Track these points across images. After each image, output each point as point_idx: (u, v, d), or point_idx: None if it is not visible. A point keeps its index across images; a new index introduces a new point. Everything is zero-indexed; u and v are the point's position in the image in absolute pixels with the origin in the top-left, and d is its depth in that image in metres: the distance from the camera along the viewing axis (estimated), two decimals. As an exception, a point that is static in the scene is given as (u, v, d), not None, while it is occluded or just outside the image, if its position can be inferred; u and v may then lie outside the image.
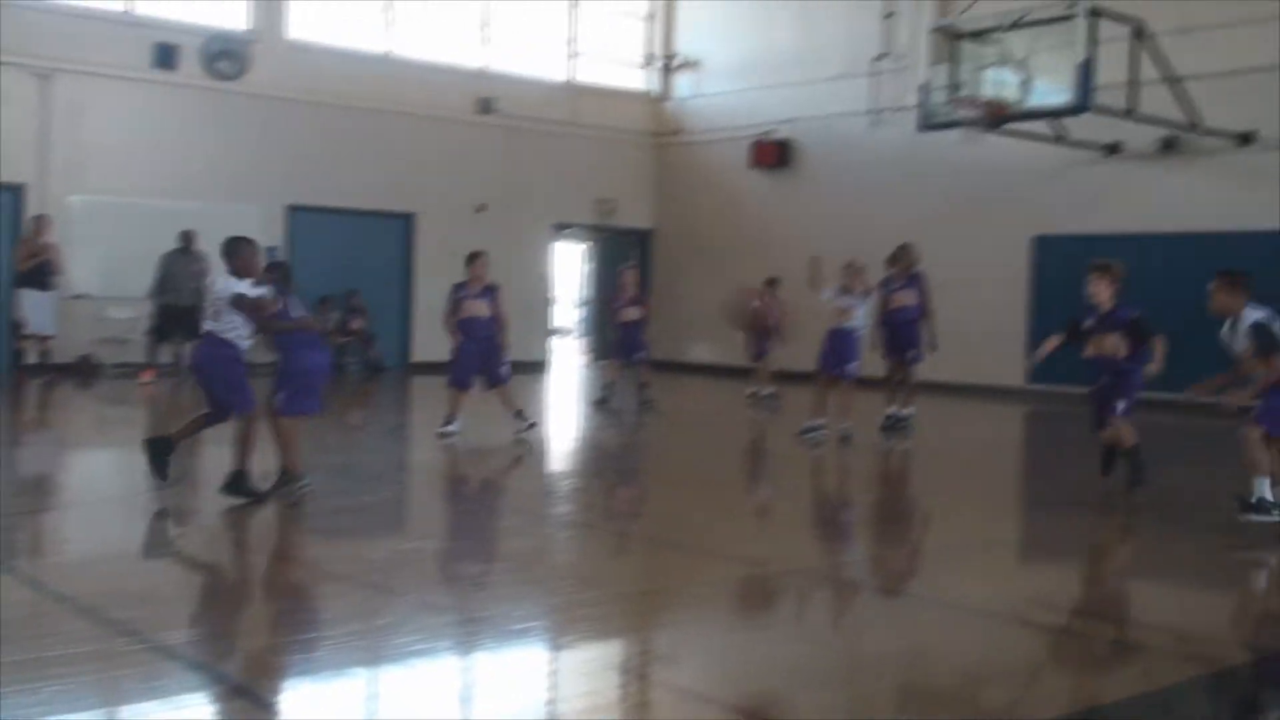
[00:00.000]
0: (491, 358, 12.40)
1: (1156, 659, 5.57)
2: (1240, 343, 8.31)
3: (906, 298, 13.73)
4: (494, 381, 12.50)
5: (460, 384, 12.39)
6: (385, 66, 21.32)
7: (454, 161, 22.07)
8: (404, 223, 21.87)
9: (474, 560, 7.24)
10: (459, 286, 12.55)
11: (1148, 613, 6.51)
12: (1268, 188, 17.06)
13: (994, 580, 6.93)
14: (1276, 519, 7.98)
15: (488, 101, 22.46)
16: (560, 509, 9.45)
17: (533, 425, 12.42)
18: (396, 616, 5.75)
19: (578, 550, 7.83)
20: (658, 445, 14.05)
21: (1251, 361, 8.16)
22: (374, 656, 5.16)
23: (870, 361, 13.69)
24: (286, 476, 8.27)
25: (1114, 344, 9.43)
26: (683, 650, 5.54)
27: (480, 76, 22.59)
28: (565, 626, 5.77)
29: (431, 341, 21.75)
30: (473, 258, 12.66)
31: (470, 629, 5.66)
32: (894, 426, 13.57)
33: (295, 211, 20.30)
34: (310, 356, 8.53)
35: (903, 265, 13.87)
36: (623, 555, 7.73)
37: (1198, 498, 9.84)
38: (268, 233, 18.23)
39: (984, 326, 18.96)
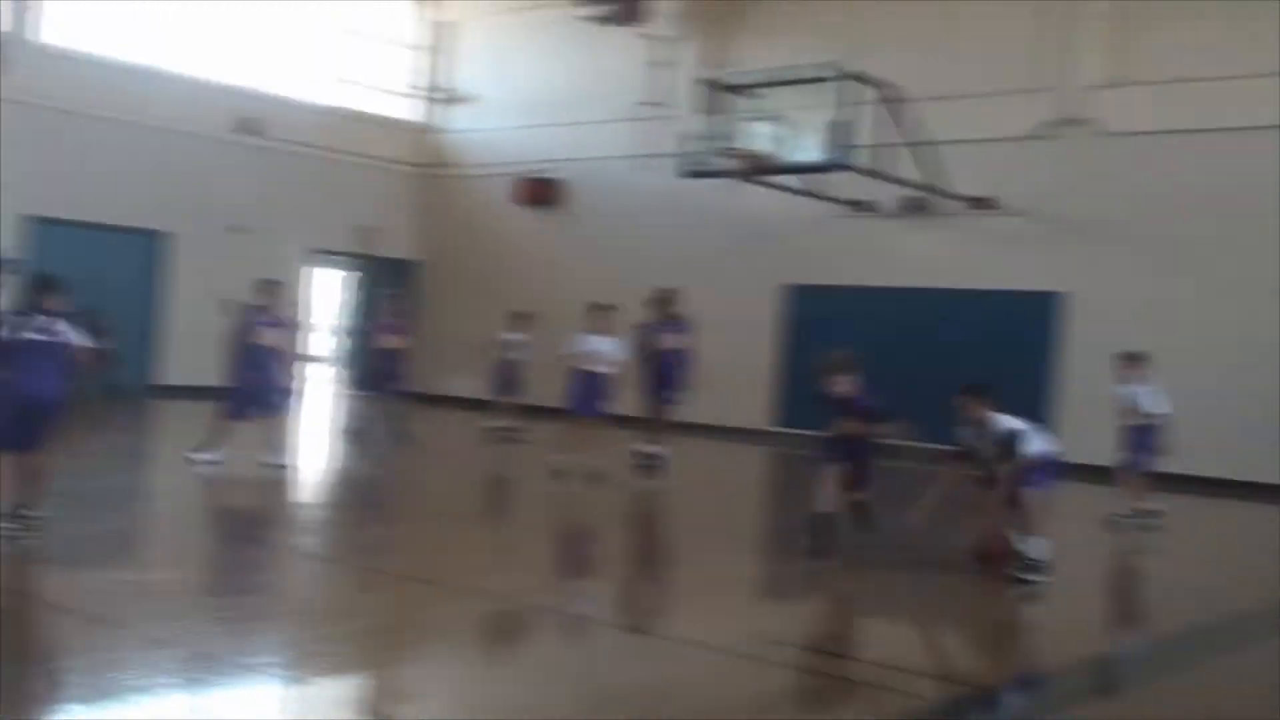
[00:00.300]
0: (270, 387, 12.03)
1: (880, 692, 5.79)
2: (988, 446, 8.81)
3: (673, 341, 13.99)
4: (267, 411, 12.07)
5: (238, 414, 11.90)
6: (143, 78, 20.49)
7: (211, 180, 21.33)
8: (154, 240, 21.00)
9: (209, 593, 6.96)
10: (257, 310, 12.21)
11: (873, 649, 6.76)
12: (1002, 251, 18.17)
13: (731, 619, 7.08)
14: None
15: (250, 121, 21.85)
16: (304, 541, 9.19)
17: (284, 467, 12.02)
18: (119, 651, 5.46)
19: (319, 584, 7.63)
20: (409, 478, 13.82)
21: (999, 463, 8.68)
22: (91, 693, 4.89)
23: (625, 399, 13.87)
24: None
25: (855, 427, 9.64)
26: (425, 687, 5.45)
27: (243, 95, 21.96)
28: (302, 663, 5.59)
29: (181, 364, 20.94)
30: (268, 285, 12.50)
31: (198, 665, 5.41)
32: (648, 465, 13.77)
33: (37, 223, 19.23)
34: (25, 383, 7.78)
35: (667, 309, 14.12)
36: (366, 590, 7.56)
37: (921, 541, 10.30)
38: (3, 244, 17.24)
39: (733, 370, 19.45)
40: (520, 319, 17.23)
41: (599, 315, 13.35)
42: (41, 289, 8.02)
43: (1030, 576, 8.41)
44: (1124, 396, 12.22)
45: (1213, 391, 16.29)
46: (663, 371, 13.94)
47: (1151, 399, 12.11)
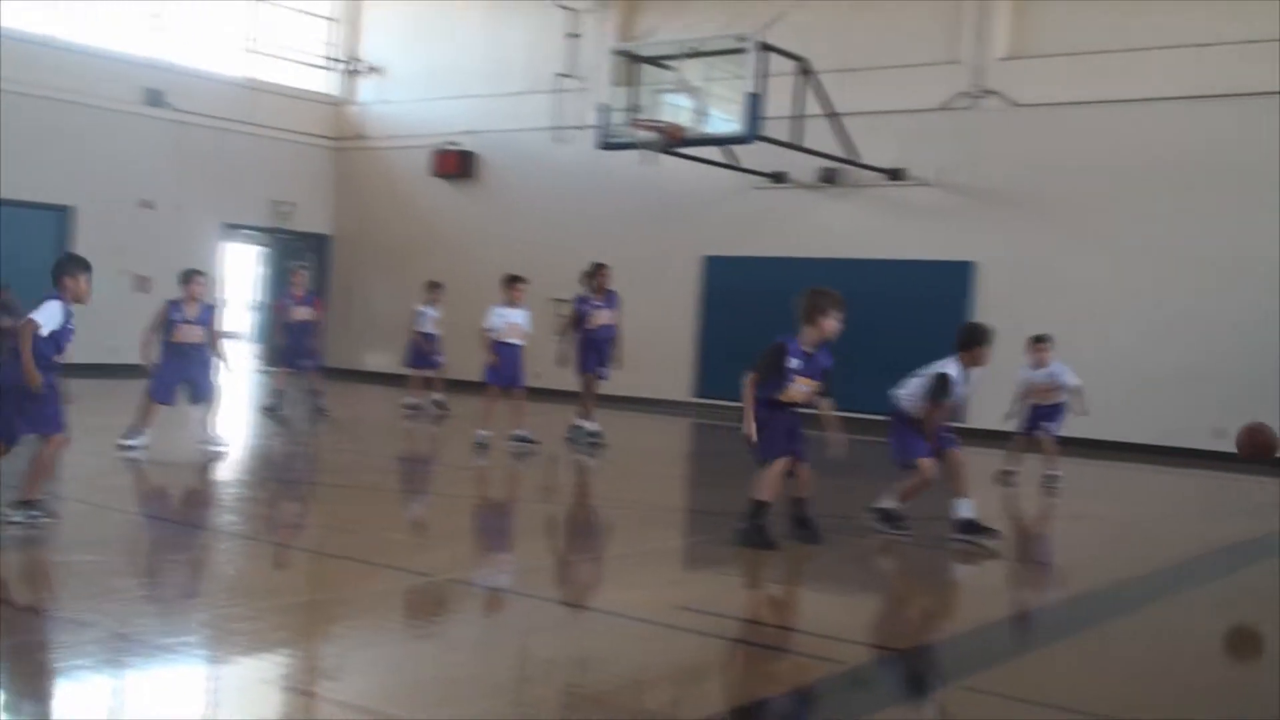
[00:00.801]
0: (196, 377, 11.84)
1: (803, 659, 5.90)
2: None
3: (605, 316, 14.02)
4: (199, 398, 11.89)
5: (163, 398, 11.76)
6: (47, 49, 20.01)
7: (118, 154, 20.95)
8: (60, 216, 20.56)
9: (128, 574, 6.88)
10: (174, 306, 11.98)
11: (793, 617, 6.89)
12: (915, 221, 18.42)
13: (654, 589, 7.16)
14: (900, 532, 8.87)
15: (158, 94, 21.44)
16: (223, 520, 9.12)
17: (220, 450, 11.86)
18: (36, 633, 5.40)
19: (237, 562, 7.57)
20: (326, 454, 13.74)
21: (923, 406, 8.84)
22: (10, 676, 4.83)
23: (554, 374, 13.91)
24: None
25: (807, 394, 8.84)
26: (347, 664, 5.45)
27: (151, 67, 21.55)
28: (221, 641, 5.57)
29: (92, 342, 20.53)
30: (191, 277, 12.21)
31: (117, 646, 5.36)
32: (590, 441, 13.88)
33: (-66, 199, 18.76)
34: None
35: (599, 284, 14.11)
36: (285, 567, 7.53)
37: (841, 509, 10.47)
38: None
39: (655, 342, 19.55)
40: (436, 290, 17.10)
41: (514, 288, 13.37)
42: None
43: (969, 539, 8.61)
44: (1031, 379, 12.52)
45: (1122, 357, 16.71)
46: (600, 347, 13.99)
47: (1050, 377, 12.41)
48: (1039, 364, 12.68)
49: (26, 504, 7.59)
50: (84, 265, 8.11)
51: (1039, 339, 12.83)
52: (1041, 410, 12.71)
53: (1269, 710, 5.47)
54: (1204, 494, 13.80)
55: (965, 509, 8.75)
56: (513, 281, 13.44)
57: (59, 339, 8.04)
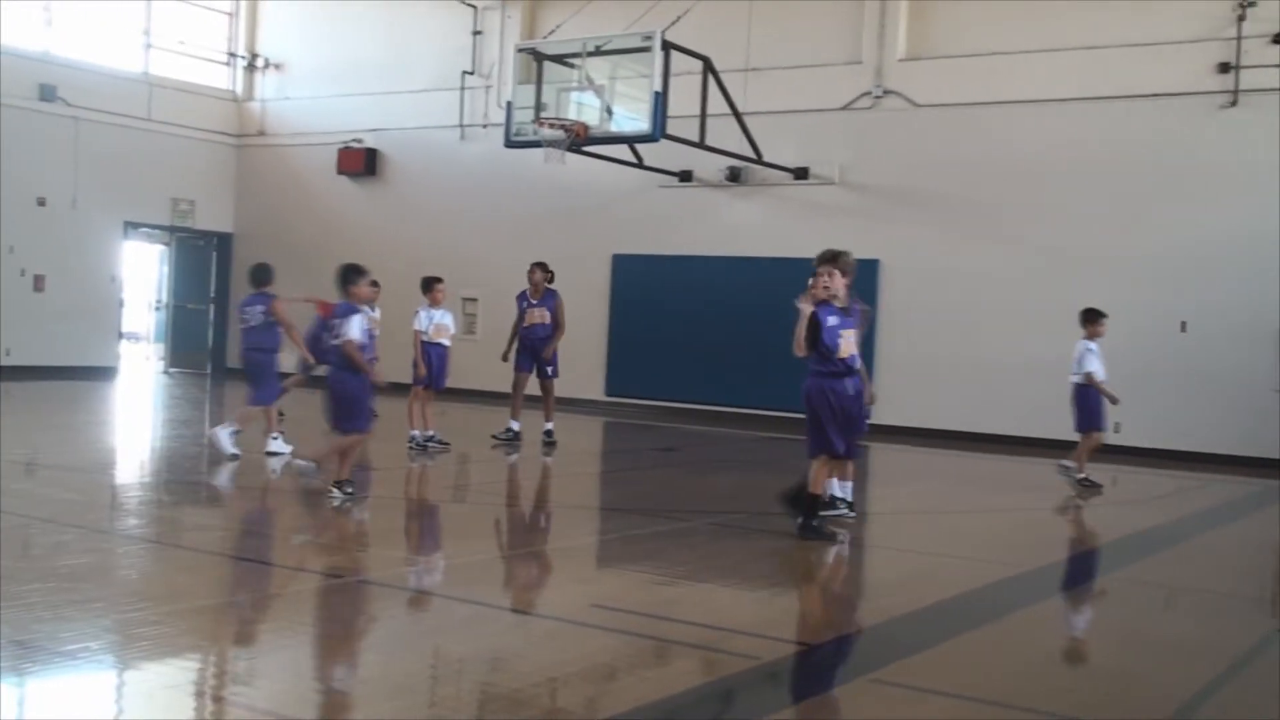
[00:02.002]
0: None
1: (711, 654, 5.96)
2: None
3: (537, 315, 14.08)
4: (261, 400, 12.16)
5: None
6: (-70, 43, 19.43)
7: (11, 150, 20.41)
8: (-49, 215, 20.01)
9: (21, 579, 6.72)
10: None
11: (704, 613, 6.94)
12: (820, 219, 18.63)
13: (564, 586, 7.18)
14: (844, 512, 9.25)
15: (51, 89, 20.93)
16: (125, 523, 8.95)
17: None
18: (-69, 644, 5.25)
19: (141, 566, 7.44)
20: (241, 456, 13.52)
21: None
22: (-96, 688, 4.70)
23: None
24: None
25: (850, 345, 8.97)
26: (257, 668, 5.39)
27: (44, 62, 21.03)
28: (125, 647, 5.47)
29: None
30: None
31: (16, 653, 5.24)
32: (548, 441, 14.20)
33: None
34: None
35: (538, 282, 14.18)
36: (191, 570, 7.41)
37: (753, 503, 10.57)
38: None
39: (567, 340, 19.50)
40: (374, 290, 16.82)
41: (435, 289, 13.36)
42: None
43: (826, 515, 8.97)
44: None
45: (1021, 353, 17.08)
46: (529, 345, 14.09)
47: None
48: (1098, 336, 12.30)
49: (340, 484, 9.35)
50: (361, 271, 9.86)
51: (1099, 312, 12.45)
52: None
53: (1168, 698, 5.64)
54: (1107, 488, 14.15)
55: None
56: (433, 283, 13.43)
57: (366, 345, 9.53)
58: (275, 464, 11.62)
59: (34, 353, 20.78)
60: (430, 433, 13.21)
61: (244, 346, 12.20)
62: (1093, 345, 12.13)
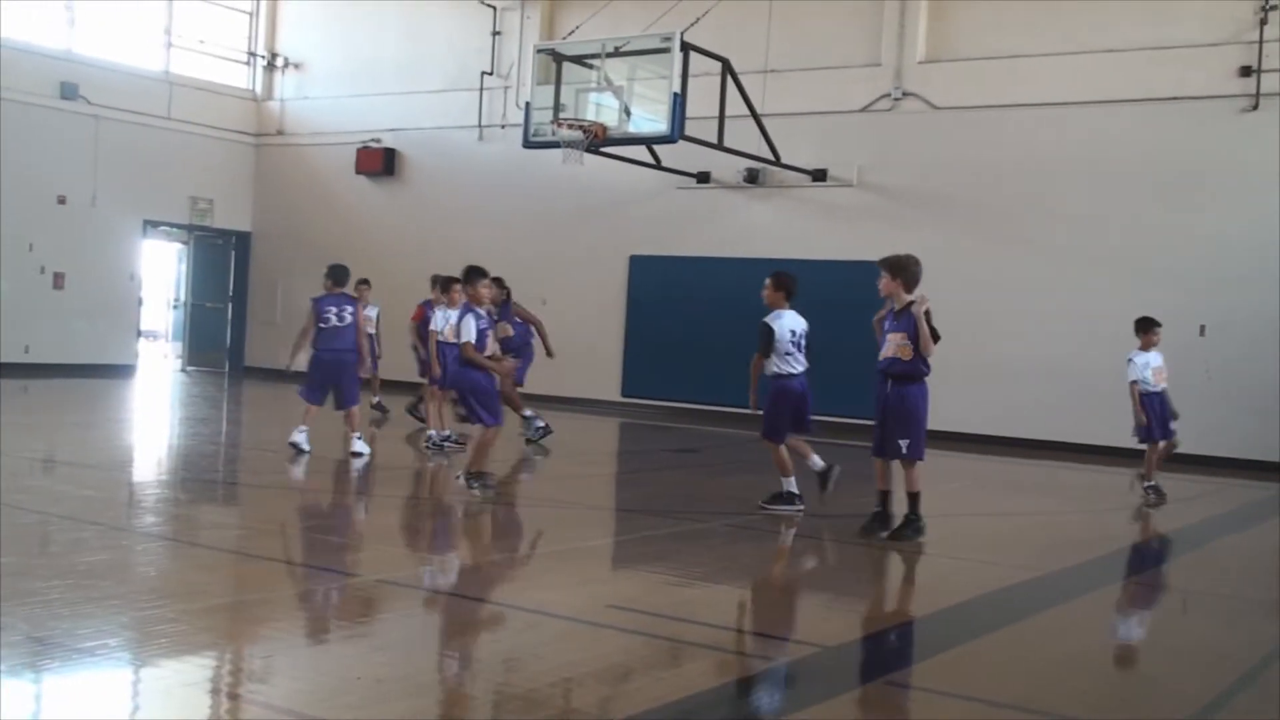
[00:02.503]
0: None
1: (727, 656, 5.95)
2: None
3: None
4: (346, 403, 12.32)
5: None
6: (-46, 41, 19.54)
7: (32, 148, 20.52)
8: (-26, 212, 20.13)
9: (39, 576, 6.75)
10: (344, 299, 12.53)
11: (719, 614, 6.94)
12: (837, 221, 18.61)
13: (580, 587, 7.18)
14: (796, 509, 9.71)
15: (72, 87, 21.04)
16: (143, 521, 8.98)
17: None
18: (-50, 639, 5.28)
19: (159, 564, 7.47)
20: (253, 455, 13.57)
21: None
22: (-77, 683, 4.73)
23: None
24: None
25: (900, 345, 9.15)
26: (273, 666, 5.41)
27: (65, 60, 21.13)
28: (143, 644, 5.49)
29: (2, 342, 20.13)
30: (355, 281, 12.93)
31: (34, 650, 5.27)
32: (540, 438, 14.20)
33: None
34: None
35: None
36: (208, 568, 7.43)
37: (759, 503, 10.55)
38: None
39: (583, 341, 19.57)
40: (364, 288, 16.80)
41: (453, 290, 13.36)
42: None
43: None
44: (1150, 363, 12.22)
45: (1040, 357, 17.04)
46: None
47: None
48: (1152, 346, 12.08)
49: (475, 476, 9.94)
50: (482, 273, 10.23)
51: (1153, 321, 12.22)
52: (1165, 404, 12.14)
53: (1185, 703, 5.61)
54: (1118, 493, 14.09)
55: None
56: (452, 283, 13.40)
57: (481, 343, 9.97)
58: (358, 464, 11.69)
59: (53, 350, 20.89)
60: (447, 432, 13.22)
61: (330, 347, 12.09)
62: (1134, 355, 12.00)
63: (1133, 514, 11.62)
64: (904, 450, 8.98)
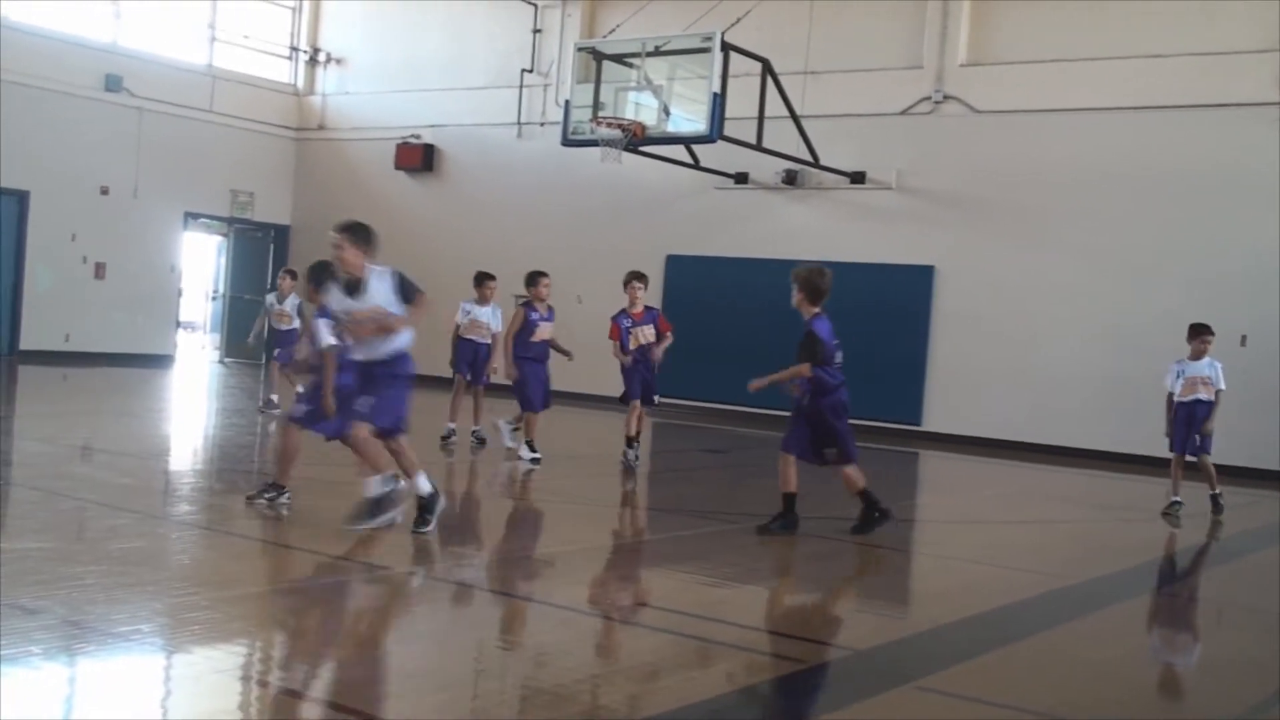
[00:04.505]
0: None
1: (756, 657, 5.94)
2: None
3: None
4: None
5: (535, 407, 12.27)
6: (4, 33, 19.78)
7: (76, 140, 20.75)
8: (16, 200, 20.34)
9: (76, 561, 6.81)
10: (529, 307, 12.39)
11: (749, 615, 6.92)
12: (876, 224, 18.53)
13: (611, 585, 7.18)
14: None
15: (117, 80, 21.24)
16: (178, 509, 9.05)
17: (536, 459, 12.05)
18: (-13, 621, 5.33)
19: (192, 552, 7.53)
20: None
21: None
22: (-41, 664, 4.78)
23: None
24: None
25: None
26: (301, 655, 5.44)
27: (110, 53, 21.34)
28: (176, 630, 5.54)
29: (40, 329, 20.34)
30: (536, 277, 12.53)
31: (69, 634, 5.32)
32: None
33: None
34: None
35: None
36: (241, 557, 7.48)
37: (801, 507, 10.52)
38: None
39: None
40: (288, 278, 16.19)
41: (485, 285, 13.37)
42: None
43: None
44: (1188, 372, 11.83)
45: (1080, 363, 16.91)
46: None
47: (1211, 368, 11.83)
48: (1198, 355, 11.67)
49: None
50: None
51: (1202, 328, 11.78)
52: (1196, 417, 11.65)
53: (1216, 714, 5.56)
54: (1155, 502, 13.97)
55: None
56: (484, 279, 13.44)
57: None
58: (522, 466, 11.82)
59: (93, 339, 21.09)
60: (474, 428, 13.24)
61: (525, 355, 12.11)
62: (1175, 363, 11.76)
63: (1173, 526, 11.50)
64: (829, 459, 9.04)
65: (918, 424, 18.00)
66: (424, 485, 8.01)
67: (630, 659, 5.66)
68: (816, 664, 5.84)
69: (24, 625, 5.35)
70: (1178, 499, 11.71)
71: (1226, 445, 15.69)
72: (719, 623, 6.41)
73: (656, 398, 12.81)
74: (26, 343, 20.13)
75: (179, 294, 23.40)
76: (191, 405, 17.82)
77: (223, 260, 25.54)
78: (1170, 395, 11.70)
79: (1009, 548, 9.68)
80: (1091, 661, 6.28)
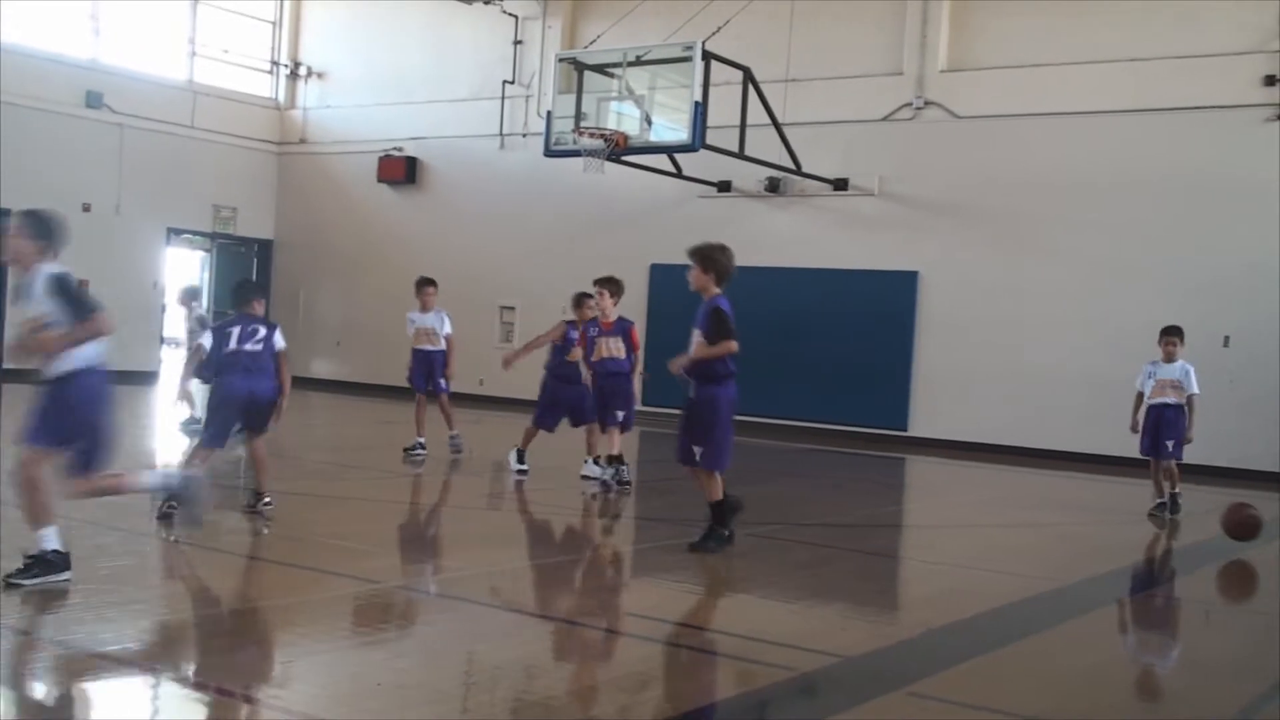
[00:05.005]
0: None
1: (747, 665, 5.93)
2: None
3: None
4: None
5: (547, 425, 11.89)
6: (-15, 51, 19.69)
7: (57, 157, 20.66)
8: (2, 220, 20.26)
9: (69, 581, 6.76)
10: (570, 325, 11.83)
11: (740, 623, 6.92)
12: (859, 230, 18.58)
13: (600, 594, 7.16)
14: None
15: (97, 96, 21.18)
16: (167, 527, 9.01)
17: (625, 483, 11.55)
18: (-27, 642, 5.30)
19: (177, 570, 7.49)
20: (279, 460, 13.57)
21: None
22: (-54, 686, 4.75)
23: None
24: None
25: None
26: (292, 671, 5.41)
27: (90, 69, 21.28)
28: (162, 649, 5.51)
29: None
30: (581, 299, 11.94)
31: (55, 653, 5.29)
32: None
33: None
34: None
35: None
36: (229, 574, 7.45)
37: (789, 514, 10.52)
38: None
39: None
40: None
41: (426, 291, 13.34)
42: None
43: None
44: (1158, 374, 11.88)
45: (1062, 366, 16.96)
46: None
47: (1182, 373, 11.73)
48: (1169, 358, 11.61)
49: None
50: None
51: (1170, 330, 11.73)
52: (1164, 420, 11.56)
53: (1209, 715, 5.57)
54: (1142, 504, 14.02)
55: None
56: (422, 285, 13.42)
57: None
58: (588, 487, 11.52)
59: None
60: (450, 434, 13.16)
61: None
62: (1148, 364, 11.78)
63: (1158, 527, 11.54)
64: (698, 458, 8.27)
65: (904, 429, 18.03)
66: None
67: (621, 669, 5.65)
68: (807, 671, 5.83)
69: (10, 645, 5.32)
70: (1162, 500, 11.76)
71: (1216, 447, 15.81)
72: (709, 631, 6.40)
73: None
74: (10, 362, 20.04)
75: (162, 310, 23.30)
76: (176, 421, 17.71)
77: (206, 275, 25.45)
78: (1140, 395, 11.71)
79: (998, 552, 9.69)
80: (1084, 664, 6.29)
